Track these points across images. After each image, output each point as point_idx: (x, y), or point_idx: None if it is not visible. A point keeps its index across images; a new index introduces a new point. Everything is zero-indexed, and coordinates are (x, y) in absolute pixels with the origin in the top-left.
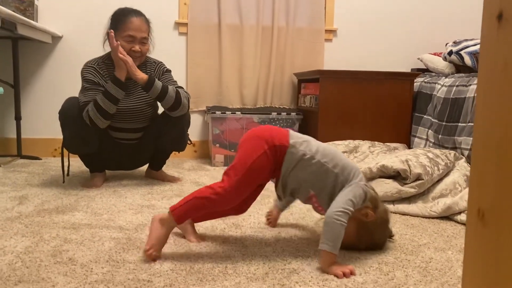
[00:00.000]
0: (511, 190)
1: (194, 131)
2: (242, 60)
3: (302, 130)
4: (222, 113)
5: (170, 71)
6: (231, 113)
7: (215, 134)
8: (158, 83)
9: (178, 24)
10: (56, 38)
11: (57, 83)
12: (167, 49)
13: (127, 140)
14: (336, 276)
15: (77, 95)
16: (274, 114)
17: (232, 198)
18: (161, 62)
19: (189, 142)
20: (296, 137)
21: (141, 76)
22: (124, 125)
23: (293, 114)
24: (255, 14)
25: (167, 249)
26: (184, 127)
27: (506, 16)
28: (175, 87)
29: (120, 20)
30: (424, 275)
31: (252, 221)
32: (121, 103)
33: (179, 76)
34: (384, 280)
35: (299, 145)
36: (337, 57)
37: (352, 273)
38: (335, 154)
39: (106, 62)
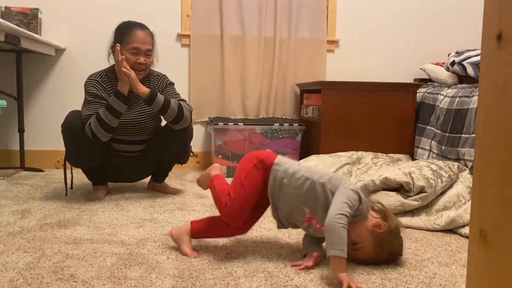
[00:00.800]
0: None
1: (196, 142)
2: (245, 71)
3: (305, 140)
4: (224, 124)
5: (173, 84)
6: (234, 124)
7: (218, 145)
8: (160, 97)
9: (180, 36)
10: (59, 51)
11: (60, 95)
12: (170, 60)
13: (130, 153)
14: (341, 280)
15: (80, 108)
16: (276, 125)
17: (235, 213)
18: (165, 75)
19: (191, 154)
20: (282, 159)
21: (143, 90)
22: (126, 137)
23: (296, 125)
24: (257, 25)
25: (168, 264)
26: (187, 139)
27: (505, 37)
28: (178, 100)
29: (125, 32)
30: None
31: (254, 235)
32: (124, 115)
33: (182, 87)
34: None
35: (284, 163)
36: (339, 67)
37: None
38: (319, 169)
39: (110, 75)
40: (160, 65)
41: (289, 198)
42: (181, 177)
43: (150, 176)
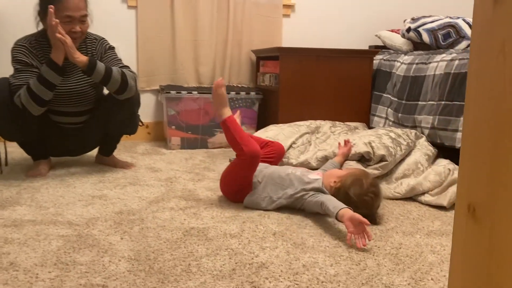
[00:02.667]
0: (507, 182)
1: (147, 112)
2: (197, 36)
3: (262, 110)
4: (177, 92)
5: (113, 48)
6: (187, 93)
7: (171, 115)
8: (101, 66)
9: None
10: None
11: None
12: (115, 24)
13: (71, 124)
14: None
15: (8, 76)
16: (232, 94)
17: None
18: (103, 38)
19: (140, 123)
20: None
21: (81, 58)
22: (65, 108)
23: (253, 93)
24: None
25: (122, 245)
26: (134, 108)
27: None
28: (120, 67)
29: (56, 1)
30: (396, 263)
31: (214, 210)
32: (60, 85)
33: (129, 52)
34: (356, 270)
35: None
36: (295, 33)
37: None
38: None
39: (40, 40)
40: (104, 29)
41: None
42: (131, 149)
43: (97, 149)
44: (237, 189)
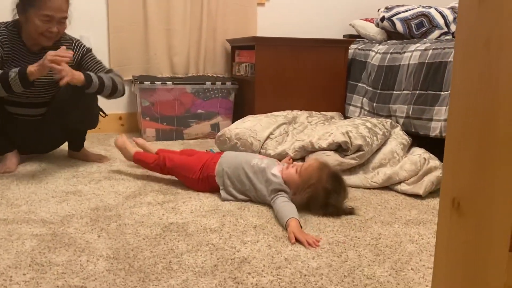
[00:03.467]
0: (492, 176)
1: (120, 103)
2: (170, 25)
3: (238, 100)
4: (151, 83)
5: (91, 50)
6: (162, 83)
7: (145, 106)
8: (95, 79)
9: None
10: None
11: None
12: (85, 13)
13: (28, 117)
14: (302, 243)
15: None
16: (208, 84)
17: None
18: (78, 40)
19: (102, 114)
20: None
21: (79, 78)
22: (21, 99)
23: (228, 83)
24: None
25: (100, 243)
26: (92, 100)
27: None
28: (106, 72)
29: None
30: (376, 254)
31: (193, 204)
32: None
33: (100, 42)
34: (338, 262)
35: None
36: (270, 22)
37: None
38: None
39: (11, 30)
40: (74, 19)
41: None
42: (105, 142)
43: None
44: (197, 182)
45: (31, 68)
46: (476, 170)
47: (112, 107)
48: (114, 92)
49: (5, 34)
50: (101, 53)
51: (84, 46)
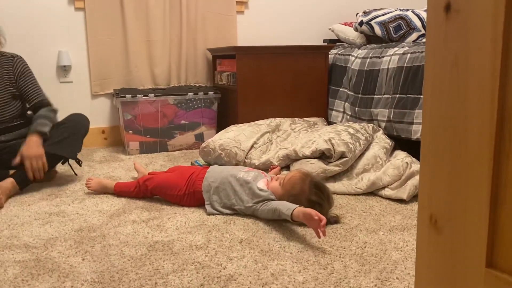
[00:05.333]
0: (466, 194)
1: (102, 117)
2: (150, 36)
3: (221, 109)
4: (133, 96)
5: (30, 70)
6: (143, 96)
7: (127, 119)
8: (46, 128)
9: None
10: None
11: None
12: (63, 27)
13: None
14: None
15: None
16: (190, 94)
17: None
18: (18, 56)
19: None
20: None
21: (36, 142)
22: None
23: (211, 93)
24: None
25: (84, 267)
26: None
27: (455, 6)
28: (41, 101)
29: None
30: (362, 264)
31: (178, 219)
32: None
33: (80, 56)
34: (324, 275)
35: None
36: (250, 29)
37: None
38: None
39: None
40: (52, 33)
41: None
42: (88, 157)
43: None
44: (182, 197)
45: None
46: (450, 187)
47: (95, 121)
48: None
49: None
50: (80, 67)
51: (25, 64)
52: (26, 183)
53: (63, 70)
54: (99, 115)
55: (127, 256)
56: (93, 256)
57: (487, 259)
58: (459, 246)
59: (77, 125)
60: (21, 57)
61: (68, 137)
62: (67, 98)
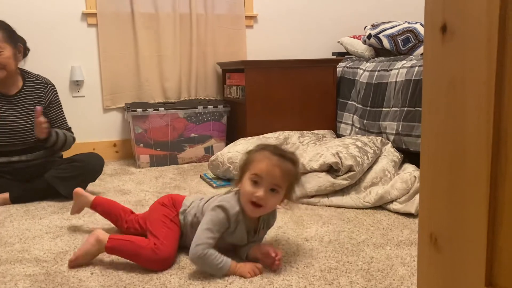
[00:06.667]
0: (465, 213)
1: (113, 130)
2: (161, 51)
3: (231, 122)
4: (144, 110)
5: (59, 100)
6: (154, 110)
7: (138, 133)
8: (56, 136)
9: (86, 15)
10: None
11: None
12: (76, 43)
13: (15, 163)
14: (244, 276)
15: None
16: (200, 108)
17: (170, 254)
18: (52, 84)
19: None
20: (187, 201)
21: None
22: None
23: (220, 106)
24: (170, 1)
25: (92, 281)
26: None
27: (450, 28)
28: (66, 129)
29: None
30: (368, 279)
31: None
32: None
33: (92, 71)
34: None
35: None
36: (259, 43)
37: (260, 271)
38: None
39: None
40: (65, 49)
41: None
42: None
43: None
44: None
45: None
46: (449, 207)
47: (106, 134)
48: (63, 149)
49: None
50: (93, 82)
51: (56, 93)
52: (18, 200)
53: (76, 84)
54: (110, 128)
55: (135, 271)
56: (101, 270)
57: (486, 278)
58: (459, 265)
59: (89, 171)
60: (54, 86)
61: (74, 177)
62: (79, 112)
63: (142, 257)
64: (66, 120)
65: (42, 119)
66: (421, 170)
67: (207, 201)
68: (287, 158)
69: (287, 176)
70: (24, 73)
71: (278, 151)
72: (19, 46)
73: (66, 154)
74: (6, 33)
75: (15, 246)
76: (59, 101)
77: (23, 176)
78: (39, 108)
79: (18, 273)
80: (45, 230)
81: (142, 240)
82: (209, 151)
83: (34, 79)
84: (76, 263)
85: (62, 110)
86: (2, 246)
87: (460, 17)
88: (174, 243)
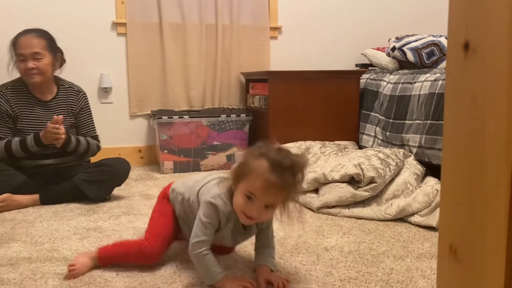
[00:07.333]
0: (484, 225)
1: (139, 136)
2: (187, 60)
3: (253, 131)
4: (169, 118)
5: (90, 108)
6: (179, 118)
7: (163, 140)
8: (76, 142)
9: (116, 24)
10: None
11: None
12: (106, 51)
13: (45, 166)
14: None
15: None
16: (223, 116)
17: (159, 249)
18: (83, 92)
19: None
20: (176, 184)
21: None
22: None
23: (243, 115)
24: (197, 12)
25: (118, 282)
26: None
27: (473, 46)
28: (92, 137)
29: (15, 43)
30: None
31: None
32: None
33: (120, 79)
34: None
35: (176, 189)
36: (283, 54)
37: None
38: (191, 183)
39: (17, 86)
40: (95, 57)
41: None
42: None
43: None
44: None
45: (42, 135)
46: (469, 218)
47: (132, 140)
48: (83, 155)
49: (13, 93)
50: (120, 89)
51: (87, 100)
52: (48, 202)
53: (104, 91)
54: (136, 134)
55: (157, 273)
56: (126, 271)
57: None
58: (478, 276)
59: (115, 175)
60: (85, 93)
61: (102, 180)
62: (107, 118)
63: (136, 255)
64: (94, 127)
65: (57, 126)
66: (442, 181)
67: (202, 186)
68: (286, 169)
69: (284, 191)
70: (58, 81)
71: (277, 164)
72: (58, 55)
73: (94, 159)
74: (48, 42)
75: (44, 245)
76: (89, 108)
77: (53, 178)
78: (59, 117)
79: (48, 271)
80: (72, 231)
81: (133, 242)
82: (231, 159)
83: (68, 86)
84: (75, 273)
85: (92, 118)
86: (33, 245)
87: (482, 35)
88: (164, 236)
